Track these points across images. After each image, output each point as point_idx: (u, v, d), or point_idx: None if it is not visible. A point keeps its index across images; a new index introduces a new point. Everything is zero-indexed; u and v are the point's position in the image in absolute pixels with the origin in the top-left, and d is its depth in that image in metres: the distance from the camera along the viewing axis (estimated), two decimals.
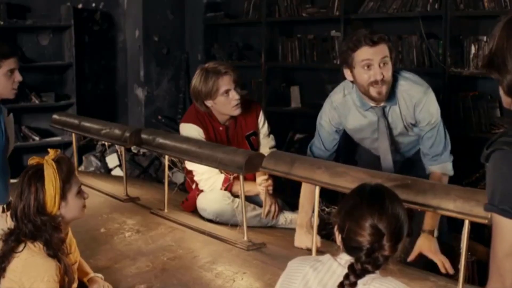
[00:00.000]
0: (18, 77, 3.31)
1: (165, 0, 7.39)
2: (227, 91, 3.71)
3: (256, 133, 3.94)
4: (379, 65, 3.08)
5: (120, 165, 6.93)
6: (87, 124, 4.33)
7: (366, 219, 1.93)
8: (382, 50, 3.10)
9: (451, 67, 4.93)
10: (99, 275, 2.92)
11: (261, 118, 3.97)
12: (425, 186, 2.45)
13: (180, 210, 3.92)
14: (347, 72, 3.21)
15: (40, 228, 2.50)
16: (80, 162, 6.92)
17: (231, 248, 3.24)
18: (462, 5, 4.88)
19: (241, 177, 3.21)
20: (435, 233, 2.84)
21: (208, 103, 3.74)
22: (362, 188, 2.07)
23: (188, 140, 3.57)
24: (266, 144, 3.98)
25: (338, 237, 2.02)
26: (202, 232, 3.45)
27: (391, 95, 3.20)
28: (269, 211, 3.73)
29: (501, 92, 1.78)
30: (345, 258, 1.98)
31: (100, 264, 3.18)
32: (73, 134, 4.57)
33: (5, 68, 3.24)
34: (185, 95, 7.51)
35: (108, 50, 7.51)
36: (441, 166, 3.18)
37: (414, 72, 3.29)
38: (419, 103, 3.19)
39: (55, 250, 2.53)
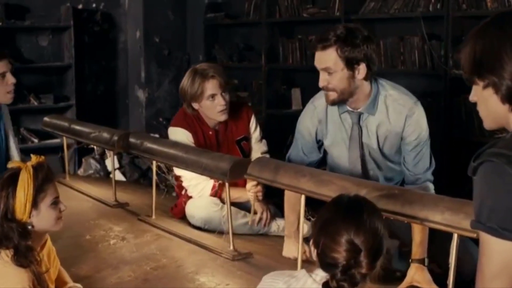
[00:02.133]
0: (11, 79, 3.20)
1: (166, 1, 7.27)
2: (213, 96, 3.59)
3: (247, 138, 3.82)
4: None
5: (120, 168, 6.83)
6: (77, 127, 4.24)
7: (342, 234, 1.81)
8: (322, 58, 2.94)
9: (453, 68, 4.78)
10: (78, 285, 2.81)
11: (253, 122, 3.84)
12: (413, 197, 2.31)
13: (169, 216, 3.81)
14: None
15: (7, 234, 2.40)
16: (79, 165, 6.83)
17: (216, 257, 3.12)
18: (464, 5, 4.74)
19: (226, 185, 3.09)
20: (426, 262, 2.64)
21: (195, 105, 3.63)
22: (338, 200, 1.94)
23: (175, 145, 3.46)
24: (258, 149, 3.85)
25: (314, 252, 1.90)
26: (188, 240, 3.34)
27: (371, 103, 3.03)
28: (260, 219, 3.60)
29: (491, 102, 1.65)
30: (321, 275, 1.86)
31: (82, 273, 3.07)
32: (64, 138, 4.46)
33: None
34: None
35: (109, 51, 7.39)
36: (422, 187, 2.94)
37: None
38: (411, 114, 2.99)
39: (25, 259, 2.43)
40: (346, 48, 2.90)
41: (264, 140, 3.91)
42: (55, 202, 2.55)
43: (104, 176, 6.26)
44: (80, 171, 6.83)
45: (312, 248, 1.90)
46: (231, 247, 3.13)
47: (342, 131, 3.11)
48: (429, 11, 4.99)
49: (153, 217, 3.69)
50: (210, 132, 3.71)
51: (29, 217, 2.44)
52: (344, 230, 1.81)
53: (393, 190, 2.38)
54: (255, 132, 3.85)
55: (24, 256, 2.42)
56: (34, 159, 2.51)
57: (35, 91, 6.72)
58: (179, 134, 3.66)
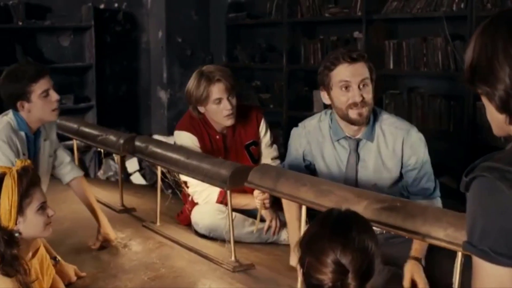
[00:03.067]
0: (54, 96, 3.10)
1: (189, 0, 7.17)
2: (219, 100, 3.45)
3: (256, 143, 3.67)
4: (358, 87, 2.80)
5: (140, 170, 6.75)
6: (86, 130, 4.13)
7: (328, 253, 1.66)
8: (362, 70, 2.82)
9: None
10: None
11: (263, 126, 3.69)
12: (415, 210, 2.15)
13: (175, 223, 3.68)
14: (324, 95, 2.95)
15: None
16: (99, 166, 6.77)
17: (217, 268, 2.99)
18: (489, 4, 4.54)
19: (228, 192, 2.95)
20: (422, 262, 2.51)
21: (201, 109, 3.50)
22: (327, 215, 1.79)
23: (178, 149, 3.33)
24: (267, 154, 3.70)
25: (299, 272, 1.75)
26: (190, 249, 3.21)
27: (369, 129, 2.90)
28: (269, 227, 3.45)
29: (490, 110, 1.49)
30: None
31: (78, 281, 2.99)
32: (74, 141, 4.37)
33: (38, 91, 3.06)
34: None
35: (131, 51, 7.32)
36: (430, 202, 2.82)
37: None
38: (408, 136, 2.88)
39: (11, 268, 2.33)
40: (371, 64, 2.89)
41: (275, 145, 3.76)
42: (42, 207, 2.46)
43: (123, 178, 6.17)
44: (100, 173, 6.78)
45: (298, 267, 1.75)
46: (233, 258, 2.99)
47: (337, 160, 2.98)
48: (453, 10, 4.80)
49: (158, 223, 3.58)
50: (217, 136, 3.58)
51: (16, 224, 2.35)
52: (330, 249, 1.66)
53: (395, 202, 2.21)
54: (265, 137, 3.70)
55: (10, 265, 2.34)
56: (18, 163, 2.43)
57: (56, 91, 6.65)
58: (184, 138, 3.54)
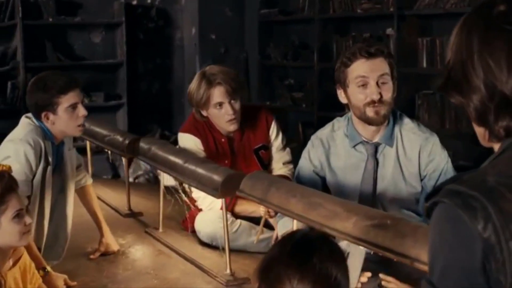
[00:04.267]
0: (82, 111, 2.90)
1: None
2: (220, 104, 3.25)
3: (266, 147, 3.45)
4: (377, 83, 2.57)
5: None
6: (96, 129, 3.98)
7: (284, 282, 1.45)
8: (380, 65, 2.60)
9: None
10: None
11: (274, 129, 3.47)
12: (406, 229, 1.90)
13: (180, 229, 3.50)
14: (340, 93, 2.72)
15: None
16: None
17: (211, 281, 2.82)
18: None
19: (222, 201, 2.75)
20: None
21: (203, 112, 3.30)
22: (288, 238, 1.57)
23: (177, 152, 3.14)
24: (279, 159, 3.48)
25: None
26: (187, 259, 3.03)
27: (388, 132, 2.68)
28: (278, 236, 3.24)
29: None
30: None
31: None
32: (88, 142, 4.23)
33: (65, 104, 2.83)
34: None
35: (164, 48, 7.18)
36: None
37: None
38: (426, 143, 2.66)
39: None
40: (392, 60, 2.68)
41: (288, 149, 3.54)
42: (19, 215, 2.34)
43: (153, 179, 6.04)
44: (130, 171, 6.64)
45: None
46: (228, 271, 2.80)
47: (352, 168, 2.74)
48: None
49: (160, 230, 3.41)
50: (223, 140, 3.38)
51: None
52: (286, 277, 1.45)
53: (386, 219, 1.97)
54: (276, 140, 3.48)
55: None
56: None
57: (86, 89, 6.57)
58: (187, 141, 3.35)
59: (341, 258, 1.53)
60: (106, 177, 6.30)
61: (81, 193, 3.30)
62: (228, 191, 2.64)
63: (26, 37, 6.10)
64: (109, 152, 3.91)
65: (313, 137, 2.88)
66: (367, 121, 2.63)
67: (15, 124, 2.99)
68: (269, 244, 3.21)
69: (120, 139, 3.63)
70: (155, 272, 2.95)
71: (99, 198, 4.01)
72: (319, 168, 2.82)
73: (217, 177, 2.67)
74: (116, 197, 4.10)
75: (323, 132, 2.85)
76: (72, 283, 2.86)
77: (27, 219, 2.42)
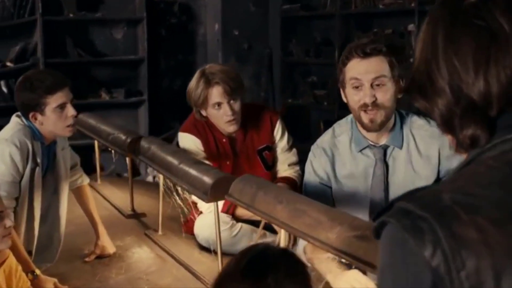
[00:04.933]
0: (71, 111, 2.81)
1: None
2: (218, 104, 3.13)
3: (270, 148, 3.32)
4: (371, 86, 2.38)
5: None
6: (102, 127, 3.90)
7: None
8: (376, 66, 2.39)
9: None
10: None
11: (278, 129, 3.33)
12: None
13: (180, 231, 3.38)
14: (342, 93, 2.55)
15: None
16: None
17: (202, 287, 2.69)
18: None
19: (214, 205, 2.62)
20: None
21: (202, 111, 3.18)
22: (244, 254, 1.44)
23: (174, 153, 3.03)
24: (284, 160, 3.35)
25: None
26: (182, 264, 2.92)
27: (396, 133, 2.49)
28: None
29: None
30: None
31: None
32: (96, 141, 4.15)
33: (53, 105, 2.75)
34: (267, 94, 6.97)
35: (187, 44, 7.07)
36: None
37: None
38: (444, 143, 2.40)
39: None
40: (394, 58, 2.46)
41: (294, 150, 3.40)
42: None
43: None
44: (149, 170, 6.56)
45: None
46: None
47: (360, 175, 2.55)
48: None
49: (160, 232, 3.30)
50: (224, 140, 3.26)
51: None
52: None
53: (368, 231, 1.82)
54: (281, 141, 3.35)
55: None
56: None
57: (107, 85, 6.53)
58: (187, 141, 3.25)
59: (301, 277, 1.40)
60: (127, 175, 6.23)
61: (77, 193, 3.21)
62: (218, 194, 2.51)
63: (46, 33, 6.06)
64: (113, 151, 3.78)
65: (313, 147, 2.68)
66: (363, 127, 2.47)
67: None
68: None
69: (123, 137, 3.54)
70: (147, 277, 2.86)
71: (104, 197, 3.96)
72: (325, 178, 2.61)
73: (207, 179, 2.55)
74: (122, 196, 4.01)
75: (324, 140, 2.66)
76: (62, 287, 2.78)
77: (7, 222, 2.35)
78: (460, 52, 1.04)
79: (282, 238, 2.24)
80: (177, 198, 3.13)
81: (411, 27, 5.12)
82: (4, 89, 5.87)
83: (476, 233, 0.93)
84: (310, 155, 2.68)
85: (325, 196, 2.58)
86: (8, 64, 5.95)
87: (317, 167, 2.63)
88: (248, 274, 1.35)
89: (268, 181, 2.61)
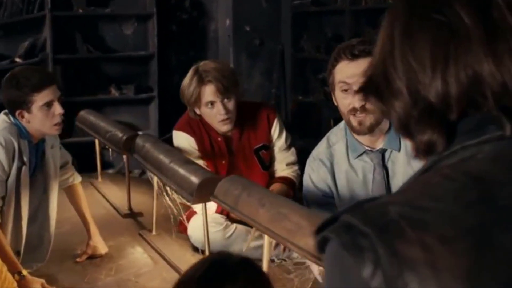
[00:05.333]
0: (58, 109, 2.74)
1: None
2: (211, 103, 3.05)
3: (268, 147, 3.24)
4: None
5: None
6: (101, 124, 3.84)
7: None
8: (363, 68, 2.26)
9: None
10: None
11: (276, 128, 3.25)
12: None
13: (175, 231, 3.31)
14: (333, 96, 2.45)
15: None
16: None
17: None
18: None
19: (202, 206, 2.55)
20: None
21: (196, 110, 3.11)
22: (202, 262, 1.37)
23: (166, 151, 2.96)
24: (282, 159, 3.27)
25: None
26: (172, 266, 2.85)
27: (392, 136, 2.39)
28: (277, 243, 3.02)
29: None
30: None
31: None
32: (96, 140, 4.09)
33: (40, 102, 2.69)
34: (279, 91, 6.88)
35: (198, 40, 6.99)
36: None
37: None
38: None
39: None
40: None
41: (292, 149, 3.31)
42: None
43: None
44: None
45: None
46: None
47: (359, 182, 2.45)
48: None
49: (154, 233, 3.24)
50: (219, 139, 3.18)
51: None
52: None
53: None
54: (279, 140, 3.26)
55: None
56: None
57: (117, 81, 6.47)
58: (180, 139, 3.18)
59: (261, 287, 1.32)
60: (138, 171, 6.19)
61: (69, 192, 3.16)
62: (204, 195, 2.43)
63: (55, 29, 6.01)
64: (110, 149, 3.73)
65: (309, 161, 2.58)
66: (353, 130, 2.37)
67: None
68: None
69: (120, 135, 3.48)
70: (136, 279, 2.80)
71: (103, 196, 3.90)
72: (328, 191, 2.51)
73: (194, 179, 2.48)
74: (121, 195, 3.94)
75: (319, 151, 2.56)
76: None
77: None
78: (417, 48, 0.94)
79: (266, 243, 2.16)
80: (167, 198, 3.05)
81: None
82: None
83: (421, 252, 0.83)
84: (308, 168, 2.59)
85: (331, 209, 2.46)
86: (17, 60, 5.91)
87: (317, 181, 2.54)
88: (205, 283, 1.28)
89: (255, 182, 2.51)
